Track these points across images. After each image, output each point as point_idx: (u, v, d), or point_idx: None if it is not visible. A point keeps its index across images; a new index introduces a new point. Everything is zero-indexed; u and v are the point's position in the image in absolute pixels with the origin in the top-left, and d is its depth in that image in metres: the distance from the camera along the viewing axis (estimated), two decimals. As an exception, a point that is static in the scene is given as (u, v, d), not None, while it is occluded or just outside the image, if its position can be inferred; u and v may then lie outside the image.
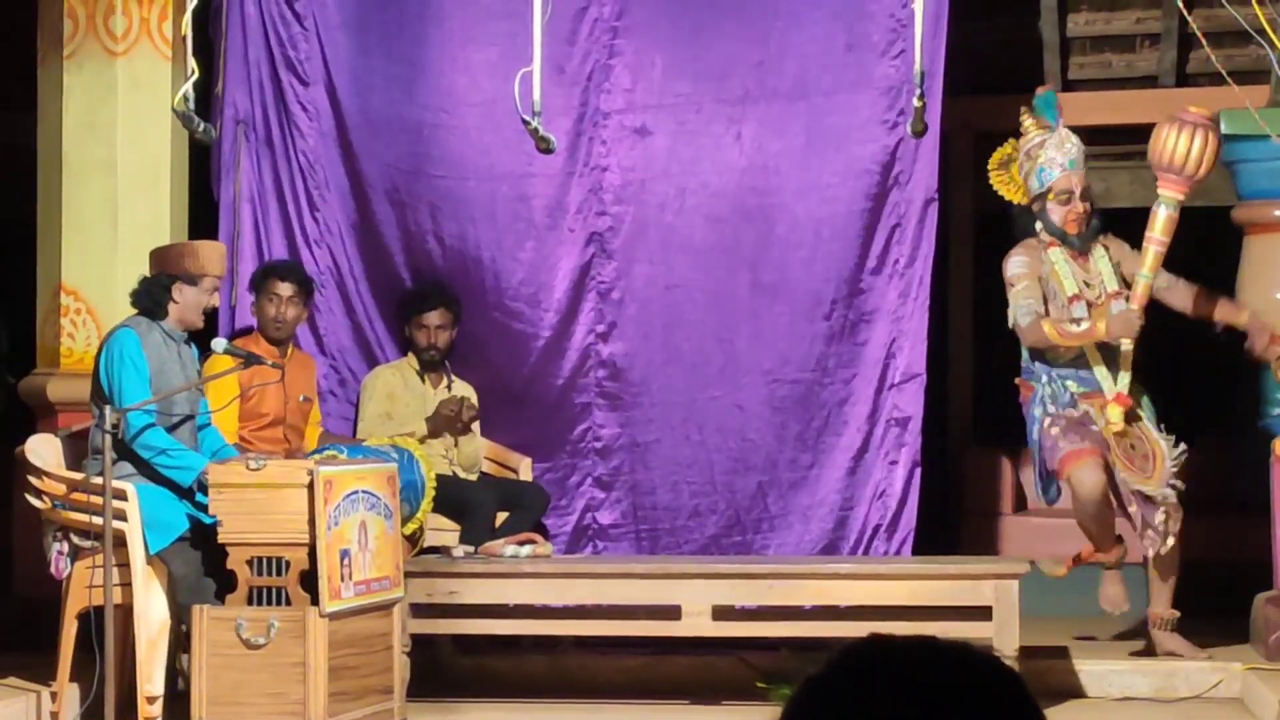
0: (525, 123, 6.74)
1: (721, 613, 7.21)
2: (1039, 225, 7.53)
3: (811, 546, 7.86)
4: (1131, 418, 7.41)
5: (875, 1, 7.91)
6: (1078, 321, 7.35)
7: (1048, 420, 7.41)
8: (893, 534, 7.96)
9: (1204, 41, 8.26)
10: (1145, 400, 7.54)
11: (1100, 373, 7.47)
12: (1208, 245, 11.19)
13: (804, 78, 7.96)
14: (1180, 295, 7.58)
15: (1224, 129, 9.16)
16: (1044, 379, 7.48)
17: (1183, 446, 7.46)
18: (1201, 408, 10.26)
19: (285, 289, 7.51)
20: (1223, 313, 7.58)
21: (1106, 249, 7.59)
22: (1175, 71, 10.46)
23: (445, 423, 7.78)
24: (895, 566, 7.42)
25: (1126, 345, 7.40)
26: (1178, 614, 7.52)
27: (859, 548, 7.97)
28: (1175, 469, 7.39)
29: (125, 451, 6.60)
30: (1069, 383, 7.46)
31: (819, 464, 7.99)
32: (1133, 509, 7.37)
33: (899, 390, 7.99)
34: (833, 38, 7.94)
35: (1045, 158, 7.52)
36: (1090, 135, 11.20)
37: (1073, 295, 7.44)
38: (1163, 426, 7.53)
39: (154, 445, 6.61)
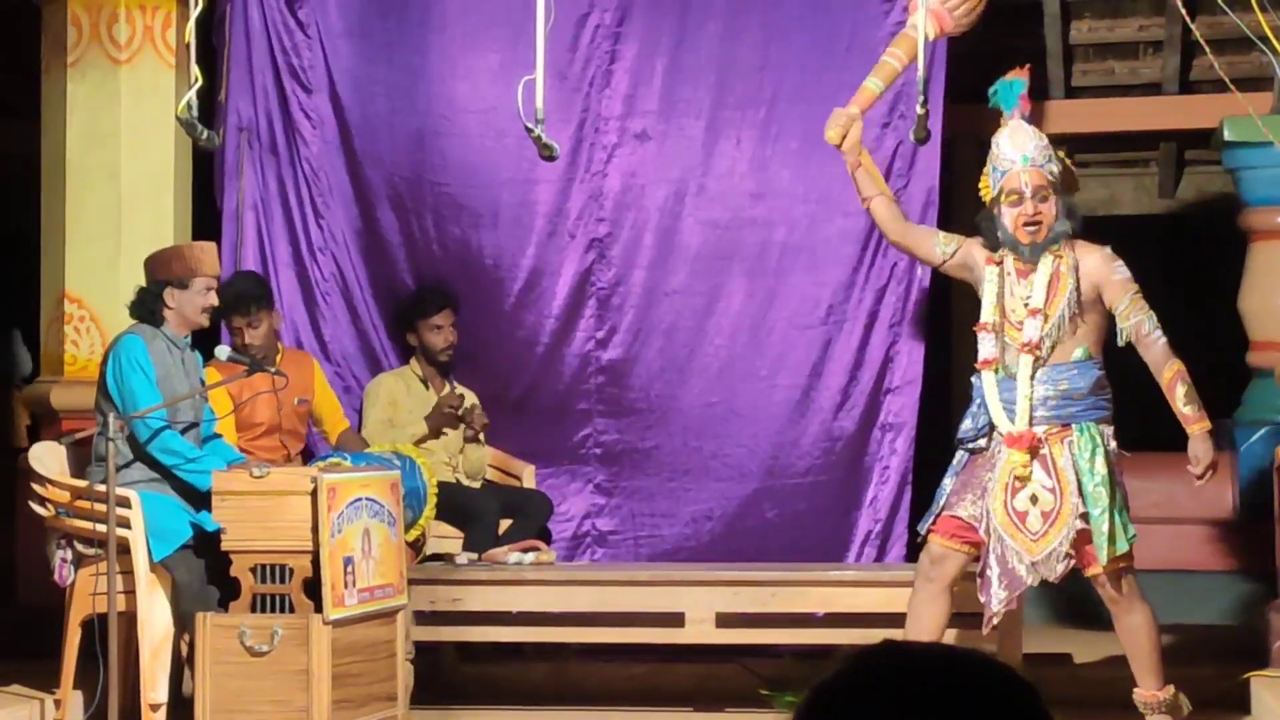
0: (529, 130, 6.74)
1: (725, 620, 7.21)
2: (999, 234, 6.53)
3: (808, 554, 7.85)
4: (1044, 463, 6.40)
5: (875, 6, 7.92)
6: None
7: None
8: (884, 542, 7.96)
9: (1207, 49, 8.26)
10: (1091, 449, 6.40)
11: (993, 407, 6.46)
12: (1212, 252, 11.19)
13: (803, 82, 7.97)
14: (1153, 356, 6.48)
15: (1227, 136, 9.18)
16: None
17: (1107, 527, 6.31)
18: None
19: (238, 320, 7.45)
20: (1181, 415, 6.46)
21: (1061, 258, 6.46)
22: (1178, 79, 10.46)
23: (446, 420, 7.78)
24: (898, 573, 7.41)
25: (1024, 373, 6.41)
26: (1163, 695, 6.55)
27: (853, 555, 7.97)
28: (1067, 550, 6.32)
29: (138, 455, 6.60)
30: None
31: (814, 470, 7.99)
32: (990, 564, 6.40)
33: (895, 395, 7.99)
34: (833, 42, 7.94)
35: (997, 154, 6.53)
36: (1093, 142, 11.22)
37: (982, 324, 6.52)
38: (1115, 496, 6.37)
39: (173, 450, 6.62)
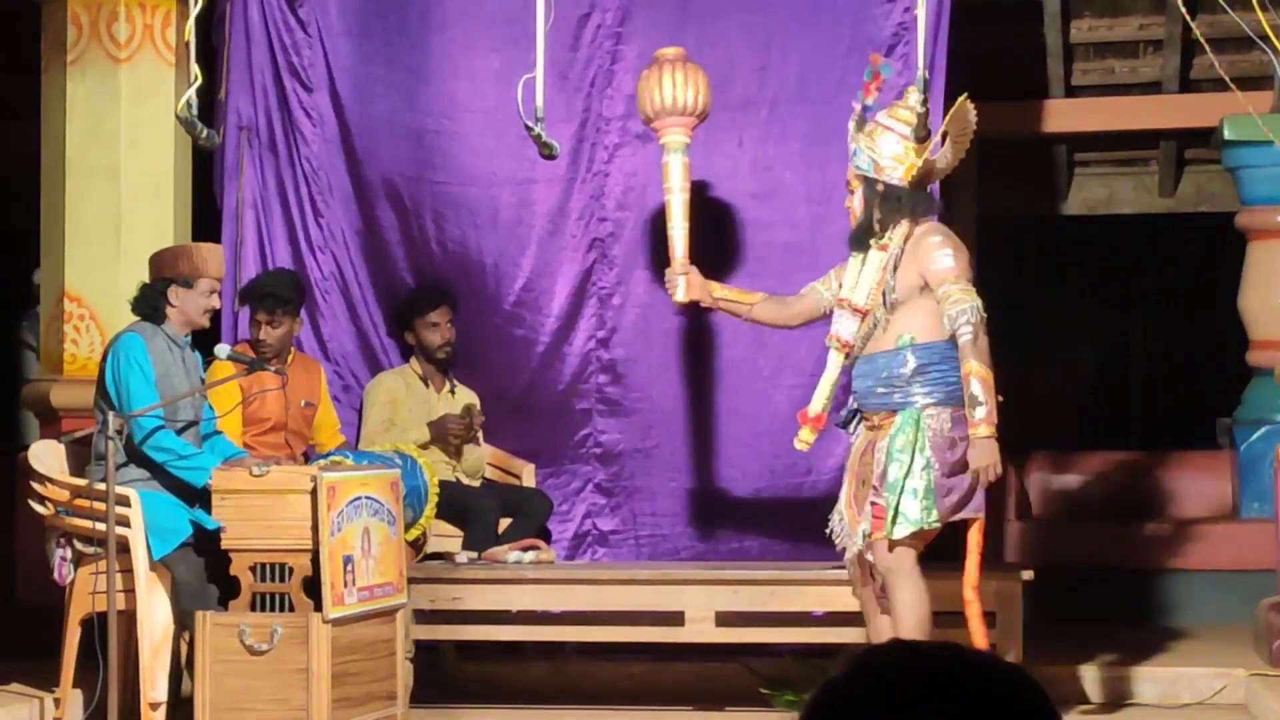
0: (528, 129, 6.75)
1: (725, 619, 7.21)
2: None
3: (809, 554, 7.84)
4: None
5: (876, 6, 7.91)
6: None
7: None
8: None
9: (1207, 47, 8.27)
10: (901, 433, 6.35)
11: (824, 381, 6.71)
12: (1211, 251, 11.19)
13: (806, 82, 7.96)
14: (959, 349, 6.34)
15: (1227, 135, 9.18)
16: None
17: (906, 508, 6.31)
18: (1204, 414, 10.27)
19: (261, 315, 7.48)
20: (968, 416, 6.29)
21: (888, 249, 6.51)
22: (1178, 78, 10.47)
23: (446, 441, 7.78)
24: (898, 572, 7.41)
25: (832, 362, 6.64)
26: None
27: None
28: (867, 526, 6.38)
29: (133, 455, 6.60)
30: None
31: (817, 470, 7.97)
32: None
33: (896, 397, 7.96)
34: (835, 42, 7.93)
35: None
36: (1093, 141, 11.23)
37: (841, 299, 6.64)
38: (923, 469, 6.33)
39: (166, 447, 6.61)
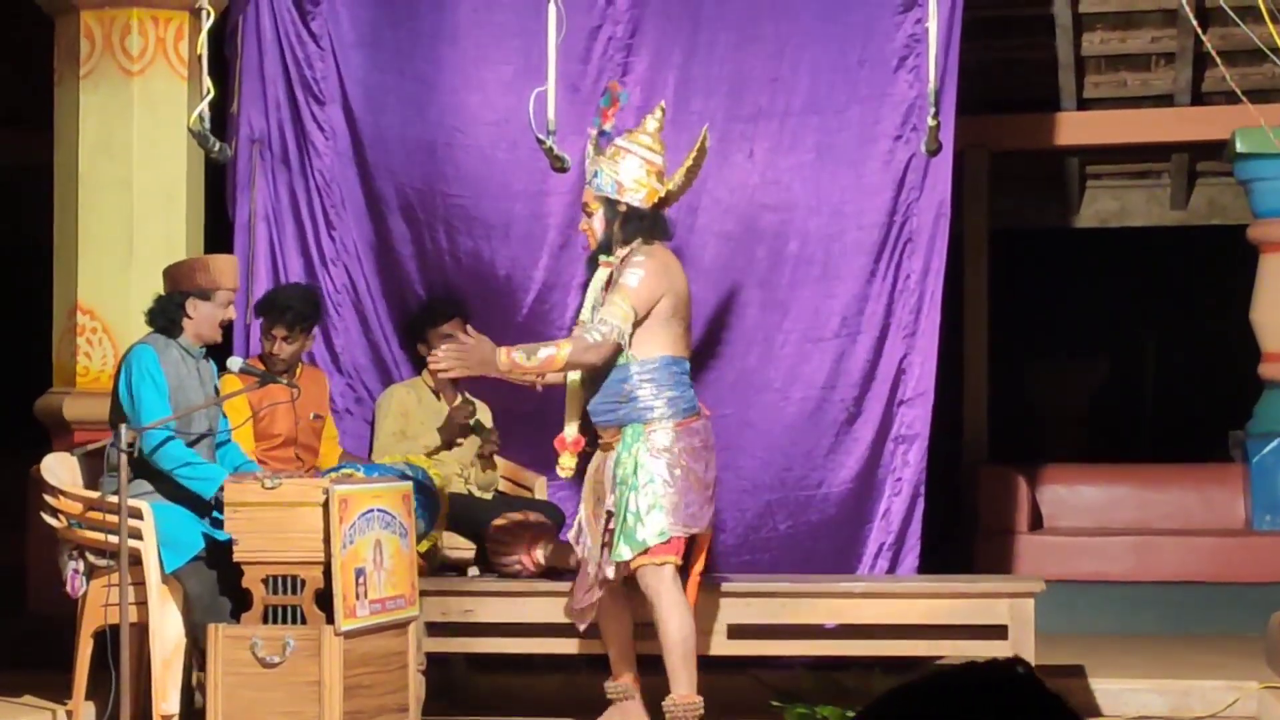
0: (540, 142, 6.75)
1: (736, 631, 7.21)
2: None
3: (820, 566, 7.84)
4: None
5: (888, 18, 7.92)
6: None
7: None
8: (897, 554, 7.92)
9: (1219, 60, 8.27)
10: (624, 451, 6.61)
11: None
12: (1223, 264, 11.19)
13: (817, 94, 7.96)
14: None
15: (1239, 148, 9.18)
16: None
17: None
18: (1216, 427, 10.27)
19: (279, 330, 7.48)
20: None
21: (609, 267, 6.77)
22: (1190, 90, 10.48)
23: (459, 431, 7.80)
24: (909, 585, 7.41)
25: (571, 379, 6.81)
26: (685, 701, 6.63)
27: (865, 567, 7.95)
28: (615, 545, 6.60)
29: (142, 469, 6.60)
30: None
31: (828, 483, 7.97)
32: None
33: (908, 407, 7.96)
34: (846, 54, 7.93)
35: None
36: (1105, 154, 11.24)
37: (580, 322, 6.89)
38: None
39: (175, 458, 6.62)
